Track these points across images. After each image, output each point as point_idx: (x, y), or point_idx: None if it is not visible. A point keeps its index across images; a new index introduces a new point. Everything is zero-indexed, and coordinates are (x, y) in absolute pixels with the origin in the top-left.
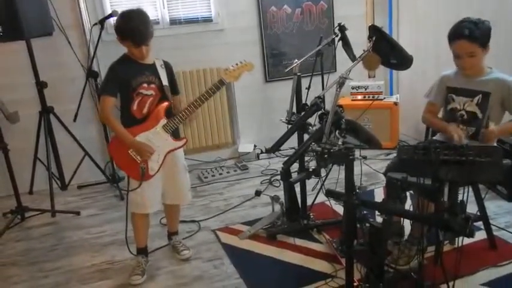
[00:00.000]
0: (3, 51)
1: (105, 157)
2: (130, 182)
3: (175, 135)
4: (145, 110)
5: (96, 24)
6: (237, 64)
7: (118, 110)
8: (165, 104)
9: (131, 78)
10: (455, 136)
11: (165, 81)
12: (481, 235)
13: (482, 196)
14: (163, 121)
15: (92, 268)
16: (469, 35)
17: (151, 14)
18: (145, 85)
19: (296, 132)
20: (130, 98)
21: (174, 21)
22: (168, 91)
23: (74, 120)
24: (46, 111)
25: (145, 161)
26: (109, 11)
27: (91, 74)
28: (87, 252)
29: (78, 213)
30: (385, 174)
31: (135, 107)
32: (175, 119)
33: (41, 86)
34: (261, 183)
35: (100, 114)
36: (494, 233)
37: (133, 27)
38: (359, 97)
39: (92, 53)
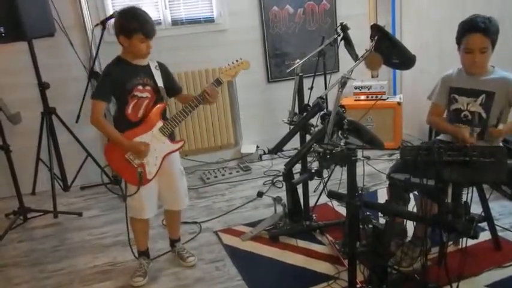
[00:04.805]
0: (5, 52)
1: None
2: (128, 187)
3: (172, 137)
4: (140, 113)
5: (97, 24)
6: (233, 62)
7: (111, 115)
8: (161, 106)
9: (126, 80)
10: (467, 137)
11: (160, 83)
12: (485, 236)
13: (487, 196)
14: (160, 123)
15: (93, 269)
16: (485, 28)
17: (153, 15)
18: (140, 87)
19: (298, 133)
20: (125, 101)
21: (176, 22)
22: (164, 93)
23: (76, 121)
24: (48, 112)
25: (143, 165)
26: (111, 12)
27: (93, 75)
28: (89, 254)
29: (80, 214)
30: (388, 175)
31: (130, 110)
32: (171, 121)
33: (43, 86)
34: (264, 184)
35: (91, 119)
36: (499, 233)
37: (142, 19)
38: (362, 97)
39: (93, 54)
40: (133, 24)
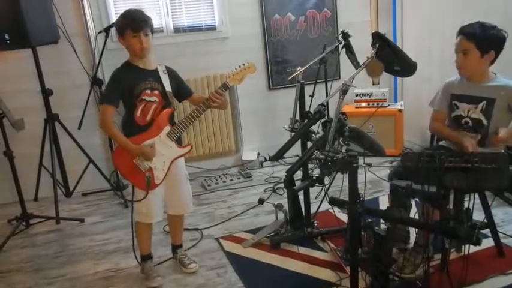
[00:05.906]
0: (9, 58)
1: (109, 164)
2: (135, 191)
3: (179, 142)
4: (148, 117)
5: (101, 32)
6: (239, 66)
7: (119, 115)
8: (169, 110)
9: (134, 85)
10: (469, 147)
11: (168, 87)
12: (488, 243)
13: (489, 203)
14: (167, 128)
15: (96, 275)
16: (467, 32)
17: (156, 22)
18: (148, 91)
19: (299, 140)
20: (133, 105)
21: (178, 29)
22: (172, 97)
23: (79, 127)
24: (51, 118)
25: (151, 170)
26: (114, 19)
27: (96, 82)
28: (91, 260)
29: (82, 221)
30: (389, 179)
31: (138, 113)
32: (179, 126)
33: (46, 93)
34: (265, 191)
35: (100, 123)
36: (502, 240)
37: (129, 14)
38: (363, 104)
39: (96, 61)
40: (122, 22)
